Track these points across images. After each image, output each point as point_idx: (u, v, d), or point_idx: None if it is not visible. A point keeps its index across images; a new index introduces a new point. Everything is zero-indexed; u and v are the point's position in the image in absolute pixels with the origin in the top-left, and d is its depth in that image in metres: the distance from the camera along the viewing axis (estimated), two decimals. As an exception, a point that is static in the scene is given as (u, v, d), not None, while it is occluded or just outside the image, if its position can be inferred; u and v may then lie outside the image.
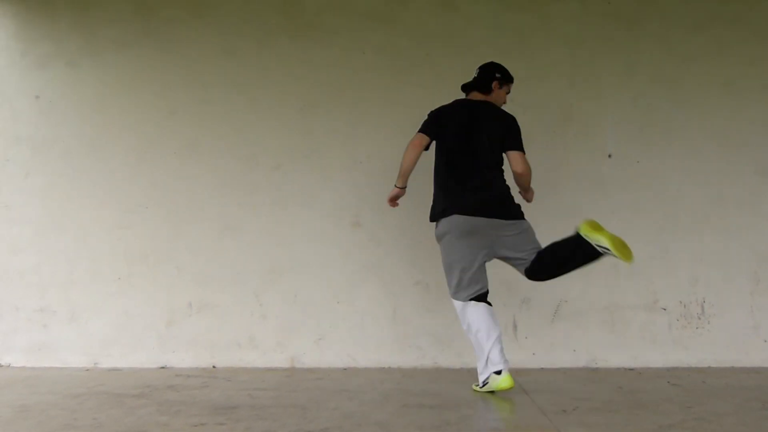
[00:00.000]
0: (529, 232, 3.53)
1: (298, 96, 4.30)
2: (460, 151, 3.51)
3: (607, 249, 3.24)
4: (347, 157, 4.28)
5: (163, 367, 4.17)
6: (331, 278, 4.24)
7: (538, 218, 4.13)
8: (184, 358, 4.20)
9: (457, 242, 3.44)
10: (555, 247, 3.44)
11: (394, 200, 3.65)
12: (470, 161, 3.50)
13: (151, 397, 3.39)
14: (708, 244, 4.25)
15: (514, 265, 3.54)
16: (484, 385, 3.46)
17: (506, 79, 3.66)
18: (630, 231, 4.13)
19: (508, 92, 3.70)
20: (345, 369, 4.13)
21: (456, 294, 3.49)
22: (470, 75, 3.68)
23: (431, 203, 3.58)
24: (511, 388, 3.38)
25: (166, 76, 4.31)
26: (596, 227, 3.33)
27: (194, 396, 3.42)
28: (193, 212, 4.27)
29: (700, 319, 4.22)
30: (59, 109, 4.33)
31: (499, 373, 3.39)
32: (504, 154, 3.57)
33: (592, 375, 3.96)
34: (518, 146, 3.53)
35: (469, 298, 3.45)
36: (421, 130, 3.54)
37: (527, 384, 3.69)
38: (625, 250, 3.25)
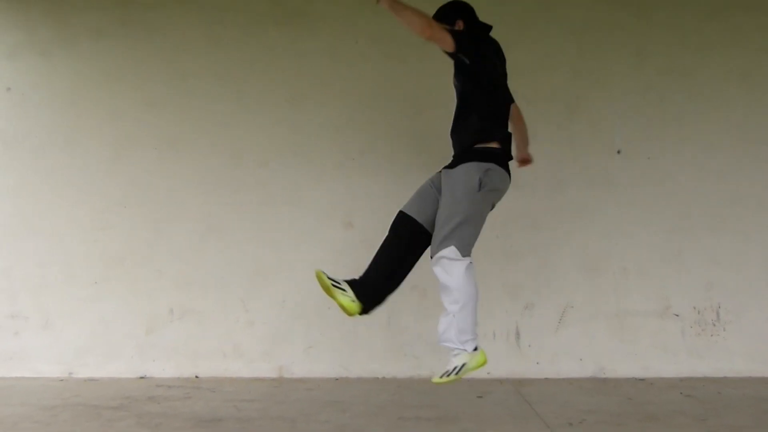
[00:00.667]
0: None
1: (286, 88, 4.26)
2: None
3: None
4: (339, 153, 4.24)
5: (142, 377, 4.13)
6: (322, 282, 4.18)
7: (542, 218, 4.26)
8: (165, 367, 4.15)
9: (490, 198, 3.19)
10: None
11: None
12: None
13: (130, 409, 3.37)
14: (724, 246, 4.21)
15: None
16: (461, 369, 3.06)
17: None
18: (641, 232, 4.27)
19: None
20: (337, 379, 4.10)
21: (468, 251, 3.12)
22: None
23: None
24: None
25: (145, 67, 4.29)
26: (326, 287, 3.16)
27: (176, 408, 3.40)
28: (175, 212, 4.23)
29: (715, 325, 4.17)
30: (31, 102, 4.30)
31: (476, 349, 3.05)
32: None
33: (600, 385, 3.93)
34: None
35: None
36: None
37: (531, 395, 3.65)
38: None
